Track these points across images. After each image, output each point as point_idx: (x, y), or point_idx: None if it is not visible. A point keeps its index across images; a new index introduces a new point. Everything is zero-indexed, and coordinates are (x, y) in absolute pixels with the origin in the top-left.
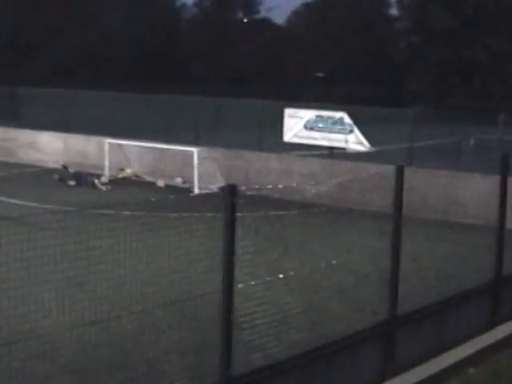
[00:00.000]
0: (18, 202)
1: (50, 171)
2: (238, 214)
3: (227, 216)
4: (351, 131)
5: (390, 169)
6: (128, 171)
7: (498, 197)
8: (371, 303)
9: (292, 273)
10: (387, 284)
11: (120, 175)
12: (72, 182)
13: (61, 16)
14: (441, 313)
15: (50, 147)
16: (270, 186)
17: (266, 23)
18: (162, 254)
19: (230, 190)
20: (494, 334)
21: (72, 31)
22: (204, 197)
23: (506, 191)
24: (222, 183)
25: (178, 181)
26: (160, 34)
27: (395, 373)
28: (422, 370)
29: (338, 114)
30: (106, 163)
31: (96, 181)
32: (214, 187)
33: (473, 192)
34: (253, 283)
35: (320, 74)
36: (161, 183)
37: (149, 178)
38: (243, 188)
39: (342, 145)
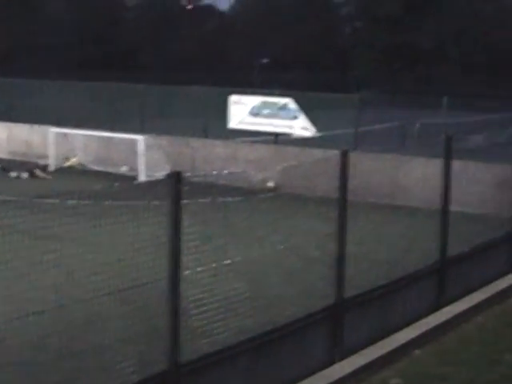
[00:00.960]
0: None
1: None
2: (184, 201)
3: (173, 203)
4: (296, 117)
5: (335, 153)
6: (73, 160)
7: (441, 180)
8: (319, 287)
9: (239, 258)
10: (334, 268)
11: (65, 164)
12: (14, 173)
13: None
14: (388, 295)
15: None
16: (216, 173)
17: (211, 10)
18: (109, 242)
19: (176, 177)
20: (439, 315)
21: (12, 18)
22: (150, 184)
23: (449, 174)
24: (167, 171)
25: (124, 169)
26: (104, 21)
27: (344, 356)
28: (369, 353)
29: (283, 100)
30: (51, 152)
31: (37, 170)
32: (160, 175)
33: (418, 175)
34: (200, 270)
35: (265, 60)
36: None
37: (95, 167)
38: (189, 175)
39: (287, 130)
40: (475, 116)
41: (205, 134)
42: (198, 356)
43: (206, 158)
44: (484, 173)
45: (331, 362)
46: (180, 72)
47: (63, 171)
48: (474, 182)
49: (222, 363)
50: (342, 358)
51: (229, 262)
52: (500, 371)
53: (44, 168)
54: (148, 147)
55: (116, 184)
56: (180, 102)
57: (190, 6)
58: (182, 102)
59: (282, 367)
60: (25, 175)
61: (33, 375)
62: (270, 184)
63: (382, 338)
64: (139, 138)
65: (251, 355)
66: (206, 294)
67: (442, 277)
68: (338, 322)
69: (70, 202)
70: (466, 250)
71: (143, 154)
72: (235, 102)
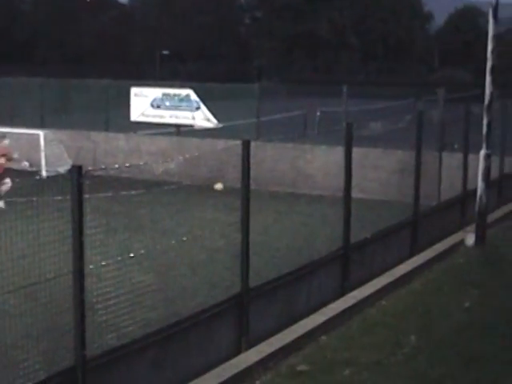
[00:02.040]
0: None
1: None
2: (86, 196)
3: (75, 197)
4: (198, 108)
5: (236, 144)
6: None
7: (343, 167)
8: (224, 277)
9: (143, 251)
10: (239, 257)
11: None
12: None
13: None
14: (293, 283)
15: None
16: (117, 166)
17: (110, 2)
18: (11, 239)
19: (77, 171)
20: (344, 301)
21: None
22: (52, 180)
23: (350, 161)
24: (69, 165)
25: (25, 164)
26: (0, 13)
27: (251, 345)
28: (276, 340)
29: (185, 92)
30: None
31: None
32: (62, 169)
33: (320, 163)
34: (104, 263)
35: (165, 52)
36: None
37: None
38: (90, 169)
39: (189, 122)
40: (375, 103)
41: (106, 127)
42: (105, 350)
43: (108, 151)
44: (384, 159)
45: (238, 352)
46: (80, 65)
47: None
48: (375, 169)
49: (129, 357)
50: (249, 347)
51: (133, 254)
52: (404, 353)
53: None
54: (48, 142)
55: (17, 180)
56: (80, 96)
57: None
58: (83, 96)
59: (190, 358)
60: None
61: None
62: (219, 186)
63: (288, 325)
64: (40, 133)
65: (158, 348)
66: (111, 288)
67: (346, 263)
68: (244, 311)
69: None
70: (369, 235)
71: (44, 149)
72: (136, 95)
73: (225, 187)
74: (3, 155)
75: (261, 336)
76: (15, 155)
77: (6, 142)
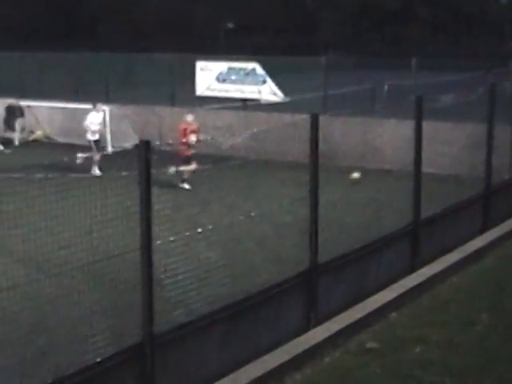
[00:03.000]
0: None
1: None
2: (154, 171)
3: (142, 172)
4: (264, 82)
5: (304, 118)
6: (38, 133)
7: (413, 141)
8: (292, 253)
9: (211, 227)
10: (307, 233)
11: (30, 138)
12: None
13: None
14: (362, 259)
15: None
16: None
17: None
18: (79, 215)
19: (144, 146)
20: (414, 277)
21: None
22: (118, 155)
23: (420, 135)
24: (135, 140)
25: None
26: None
27: (319, 321)
28: (345, 317)
29: (250, 65)
30: (16, 126)
31: None
32: (128, 145)
33: (389, 138)
34: (172, 239)
35: (230, 25)
36: None
37: (61, 139)
38: (157, 143)
39: (255, 96)
40: (445, 76)
41: (172, 102)
42: (173, 326)
43: (173, 126)
44: (455, 133)
45: (307, 328)
46: (143, 40)
47: (28, 145)
48: (446, 143)
49: (197, 333)
50: (317, 324)
51: (200, 230)
52: (476, 331)
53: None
54: (114, 117)
55: (82, 155)
56: (145, 70)
57: None
58: (147, 70)
59: (259, 335)
60: None
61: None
62: (356, 175)
63: (357, 301)
64: (105, 108)
65: (226, 324)
66: (178, 264)
67: (416, 239)
68: (313, 287)
69: (37, 176)
70: (439, 211)
71: (110, 124)
72: (202, 69)
73: (292, 162)
74: (193, 131)
75: (330, 313)
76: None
77: (190, 117)
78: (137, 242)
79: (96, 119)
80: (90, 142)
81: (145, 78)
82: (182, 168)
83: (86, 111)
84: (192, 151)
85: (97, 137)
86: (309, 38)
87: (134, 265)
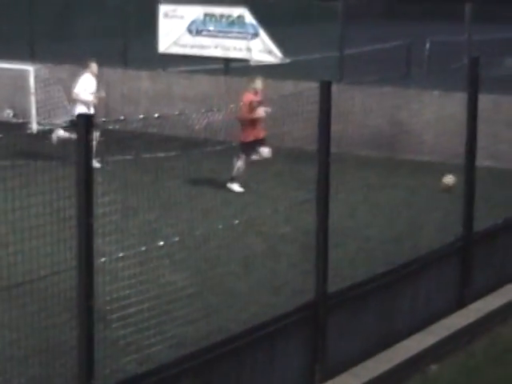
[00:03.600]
0: None
1: None
2: (95, 161)
3: (81, 161)
4: (256, 35)
5: (311, 87)
6: None
7: (464, 122)
8: (291, 279)
9: (177, 239)
10: (312, 250)
11: None
12: None
13: None
14: (389, 289)
15: None
16: (142, 116)
17: None
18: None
19: (84, 123)
20: (464, 315)
21: None
22: (45, 135)
23: (475, 113)
24: (71, 116)
25: (8, 113)
26: None
27: (327, 375)
28: (366, 370)
29: (237, 11)
30: None
31: None
32: (60, 121)
33: (430, 117)
34: (121, 255)
35: None
36: None
37: None
38: (103, 120)
39: (243, 55)
40: (510, 30)
41: (124, 62)
42: (122, 379)
43: (126, 96)
44: None
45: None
46: None
47: None
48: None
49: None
50: (324, 379)
51: (162, 243)
52: None
53: None
54: (41, 81)
55: None
56: (86, 18)
57: None
58: (89, 17)
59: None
60: None
61: None
62: (450, 180)
63: (382, 348)
64: (29, 69)
65: (196, 377)
66: (130, 291)
67: (467, 260)
68: (320, 326)
69: None
70: (501, 221)
71: (36, 91)
72: (167, 15)
73: (293, 148)
74: (259, 102)
75: (342, 363)
76: None
77: (259, 82)
78: (71, 259)
79: (90, 84)
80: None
81: (85, 28)
82: (240, 160)
83: (2, 72)
84: (262, 132)
85: (90, 110)
86: None
87: (64, 291)
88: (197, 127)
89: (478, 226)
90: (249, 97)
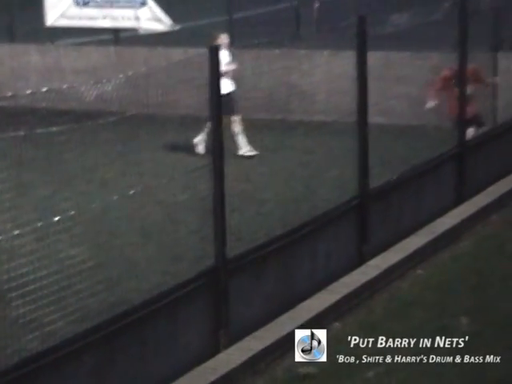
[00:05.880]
0: None
1: None
2: None
3: None
4: (143, 4)
5: (200, 53)
6: None
7: (355, 79)
8: (190, 245)
9: (73, 212)
10: (210, 216)
11: None
12: None
13: None
14: (288, 250)
15: None
16: (30, 91)
17: None
18: None
19: None
20: (363, 271)
21: None
22: None
23: (365, 70)
24: None
25: None
26: None
27: (232, 339)
28: (268, 332)
29: None
30: None
31: None
32: None
33: (321, 76)
34: (17, 233)
35: None
36: None
37: None
38: None
39: (131, 24)
40: None
41: (10, 36)
42: (24, 358)
43: (14, 70)
44: (414, 66)
45: (215, 353)
46: None
47: None
48: (401, 81)
49: (59, 363)
50: (229, 344)
51: (58, 218)
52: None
53: None
54: None
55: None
56: None
57: None
58: None
59: (143, 365)
60: None
61: None
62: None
63: (283, 310)
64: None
65: (104, 348)
66: (28, 268)
67: (364, 218)
68: (221, 292)
69: None
70: (395, 177)
71: None
72: None
73: (186, 115)
74: (477, 77)
75: (246, 328)
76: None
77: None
78: None
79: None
80: None
81: None
82: None
83: None
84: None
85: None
86: None
87: None
88: (88, 99)
89: (373, 183)
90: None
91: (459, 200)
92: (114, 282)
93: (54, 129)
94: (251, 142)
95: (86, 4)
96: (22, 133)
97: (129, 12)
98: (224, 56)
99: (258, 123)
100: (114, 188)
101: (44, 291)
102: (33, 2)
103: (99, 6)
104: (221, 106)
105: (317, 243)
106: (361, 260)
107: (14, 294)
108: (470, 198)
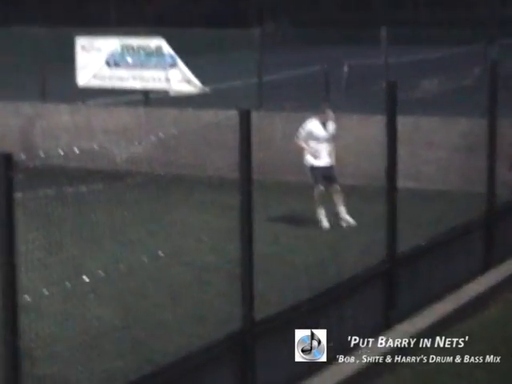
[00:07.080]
0: None
1: None
2: (19, 195)
3: (2, 198)
4: (174, 65)
5: (231, 115)
6: None
7: (384, 144)
8: (218, 307)
9: (102, 273)
10: (238, 280)
11: None
12: None
13: None
14: (315, 313)
15: None
16: (62, 152)
17: None
18: None
19: (4, 162)
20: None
21: None
22: None
23: (395, 135)
24: None
25: None
26: None
27: None
28: None
29: (154, 42)
30: None
31: None
32: None
33: (350, 140)
34: (46, 293)
35: None
36: None
37: None
38: (23, 157)
39: (162, 86)
40: (428, 52)
41: (42, 96)
42: None
43: (46, 130)
44: (443, 131)
45: None
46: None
47: None
48: (431, 146)
49: None
50: None
51: (87, 278)
52: None
53: None
54: None
55: None
56: (4, 50)
57: None
58: (7, 49)
59: None
60: None
61: None
62: None
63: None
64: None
65: None
66: (57, 327)
67: (391, 282)
68: (248, 354)
69: None
70: (424, 243)
71: None
72: (84, 48)
73: (215, 177)
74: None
75: None
76: None
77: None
78: None
79: (319, 131)
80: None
81: (3, 62)
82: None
83: None
84: None
85: (326, 162)
86: (238, 2)
87: None
88: (118, 159)
89: (401, 248)
90: None
91: (487, 265)
92: (140, 342)
93: (83, 188)
94: (277, 204)
95: (117, 65)
96: (51, 191)
97: (159, 73)
98: (318, 128)
99: (286, 185)
100: (142, 249)
101: (70, 352)
102: (64, 62)
103: (130, 67)
104: (250, 169)
105: (343, 306)
106: (387, 325)
107: (41, 353)
108: (498, 264)
